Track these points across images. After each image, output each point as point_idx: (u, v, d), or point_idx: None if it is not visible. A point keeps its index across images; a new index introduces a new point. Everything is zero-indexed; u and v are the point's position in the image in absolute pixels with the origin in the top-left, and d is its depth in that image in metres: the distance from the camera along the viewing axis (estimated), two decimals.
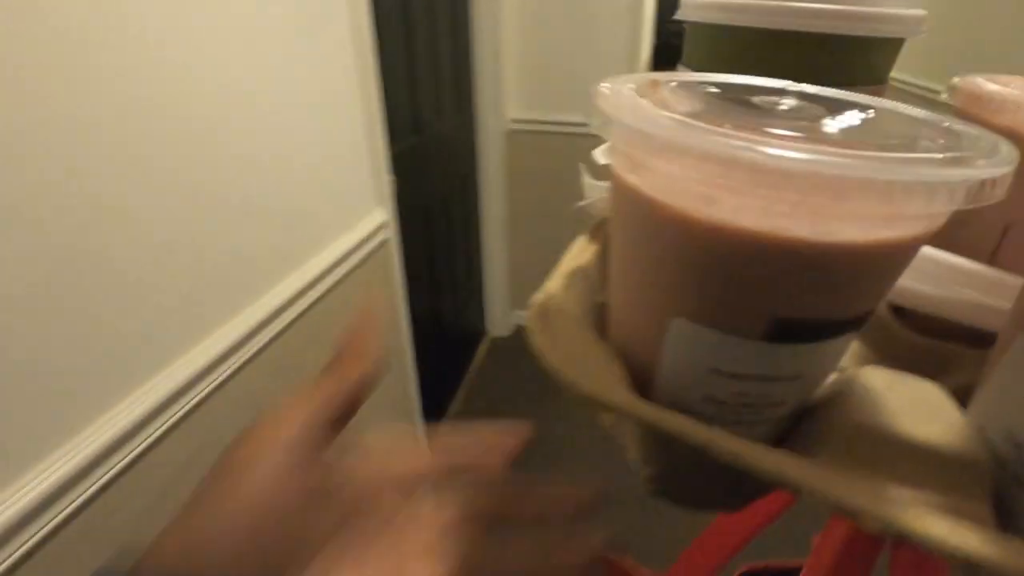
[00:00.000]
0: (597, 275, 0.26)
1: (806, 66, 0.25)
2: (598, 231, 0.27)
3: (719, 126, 0.14)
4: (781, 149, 0.13)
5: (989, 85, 0.26)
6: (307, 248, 0.94)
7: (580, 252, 0.26)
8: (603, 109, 0.16)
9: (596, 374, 0.19)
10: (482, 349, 2.23)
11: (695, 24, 0.29)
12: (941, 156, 0.13)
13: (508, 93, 1.93)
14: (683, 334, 0.17)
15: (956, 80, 0.28)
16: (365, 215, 1.09)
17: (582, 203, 0.28)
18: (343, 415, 0.21)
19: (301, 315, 0.92)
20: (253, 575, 0.18)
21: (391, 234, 1.17)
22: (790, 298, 0.15)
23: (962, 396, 0.19)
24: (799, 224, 0.14)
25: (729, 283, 0.15)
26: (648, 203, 0.16)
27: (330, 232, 0.99)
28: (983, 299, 0.20)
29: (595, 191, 0.28)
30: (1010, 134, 0.21)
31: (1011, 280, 0.21)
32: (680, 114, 0.15)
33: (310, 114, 0.90)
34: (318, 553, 0.18)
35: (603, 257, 0.26)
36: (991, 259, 0.24)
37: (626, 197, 0.17)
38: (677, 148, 0.14)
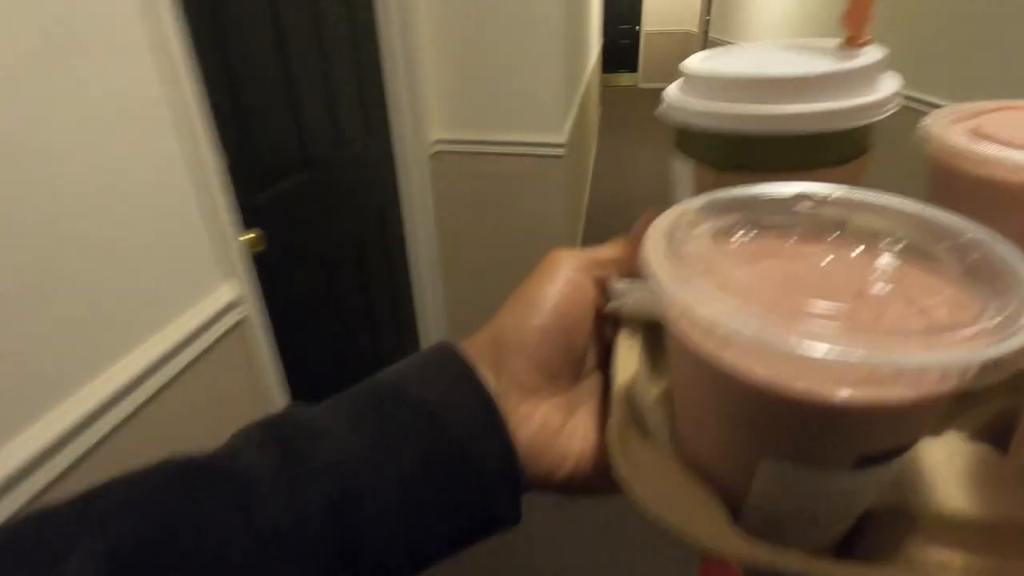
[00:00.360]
0: (645, 372, 0.24)
1: (796, 156, 0.24)
2: (634, 326, 0.26)
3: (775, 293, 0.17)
4: (844, 349, 0.13)
5: (967, 143, 0.25)
6: (105, 354, 0.68)
7: (628, 357, 0.24)
8: (655, 286, 0.17)
9: (701, 518, 0.18)
10: None
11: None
12: (992, 326, 0.14)
13: (430, 112, 1.69)
14: (773, 472, 0.17)
15: (926, 124, 0.27)
16: (203, 296, 0.82)
17: (612, 304, 0.25)
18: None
19: (107, 435, 0.67)
20: (551, 357, 0.23)
21: (250, 310, 0.91)
22: (874, 440, 0.16)
23: (998, 423, 0.20)
24: (878, 391, 0.14)
25: (815, 437, 0.16)
26: (726, 372, 0.16)
27: (139, 330, 0.73)
28: None
29: (624, 293, 0.25)
30: (991, 184, 0.23)
31: None
32: (737, 283, 0.17)
33: (93, 171, 0.64)
34: (580, 365, 0.25)
35: (646, 352, 0.25)
36: None
37: (697, 359, 0.17)
38: (749, 352, 0.15)
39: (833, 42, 0.27)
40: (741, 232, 0.19)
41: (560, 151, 1.70)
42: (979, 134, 0.25)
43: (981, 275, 0.16)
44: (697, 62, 0.27)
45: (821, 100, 0.23)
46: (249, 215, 0.98)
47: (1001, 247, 0.16)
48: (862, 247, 0.18)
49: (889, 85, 0.25)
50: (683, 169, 0.27)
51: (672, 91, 0.28)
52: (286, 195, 1.14)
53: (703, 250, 0.18)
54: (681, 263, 0.17)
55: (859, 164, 0.25)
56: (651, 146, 4.97)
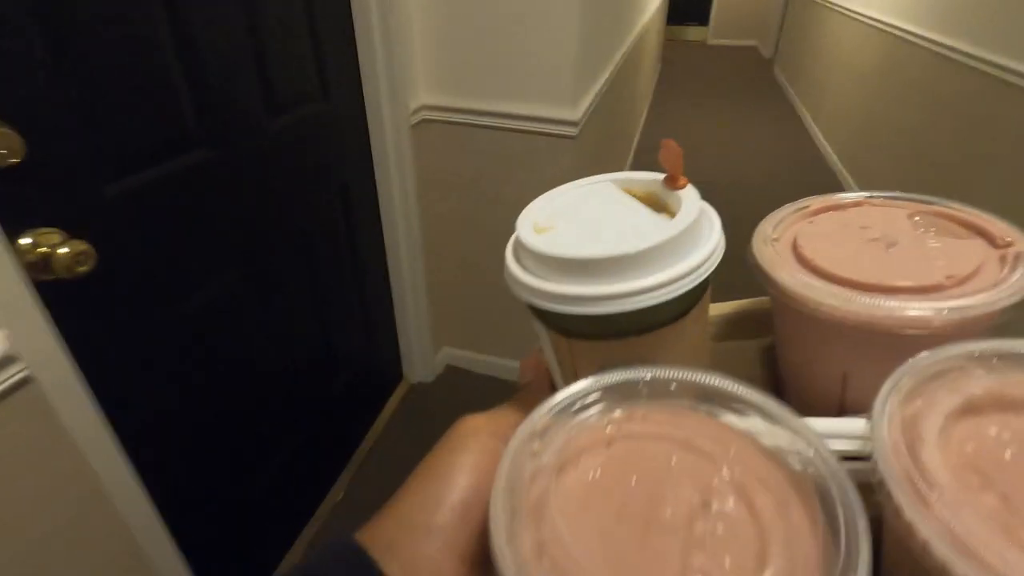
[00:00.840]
0: None
1: (636, 323, 0.24)
2: None
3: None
4: None
5: (786, 276, 0.26)
6: None
7: None
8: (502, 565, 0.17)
9: None
10: (394, 400, 1.73)
11: None
12: None
13: (413, 71, 1.35)
14: None
15: (753, 249, 0.28)
16: None
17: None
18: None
19: None
20: (471, 541, 0.20)
21: (42, 366, 0.64)
22: None
23: None
24: None
25: None
26: None
27: None
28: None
29: None
30: (812, 318, 0.25)
31: None
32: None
33: None
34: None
35: None
36: (839, 406, 0.27)
37: None
38: None
39: (658, 179, 0.27)
40: (589, 469, 0.20)
41: (572, 130, 1.34)
42: (797, 255, 0.27)
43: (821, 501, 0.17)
44: (528, 230, 0.26)
45: (647, 275, 0.23)
46: (83, 217, 0.70)
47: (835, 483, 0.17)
48: (706, 487, 0.19)
49: (712, 234, 0.25)
50: (541, 330, 0.27)
51: (510, 256, 0.27)
52: (171, 182, 0.85)
53: (548, 499, 0.18)
54: (529, 532, 0.17)
55: (700, 308, 0.26)
56: (716, 117, 4.40)
